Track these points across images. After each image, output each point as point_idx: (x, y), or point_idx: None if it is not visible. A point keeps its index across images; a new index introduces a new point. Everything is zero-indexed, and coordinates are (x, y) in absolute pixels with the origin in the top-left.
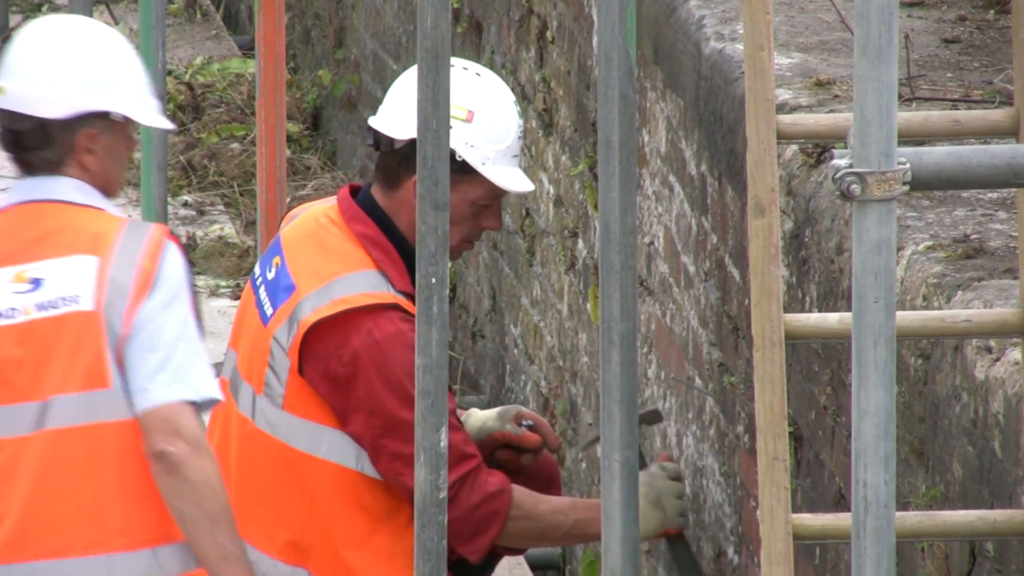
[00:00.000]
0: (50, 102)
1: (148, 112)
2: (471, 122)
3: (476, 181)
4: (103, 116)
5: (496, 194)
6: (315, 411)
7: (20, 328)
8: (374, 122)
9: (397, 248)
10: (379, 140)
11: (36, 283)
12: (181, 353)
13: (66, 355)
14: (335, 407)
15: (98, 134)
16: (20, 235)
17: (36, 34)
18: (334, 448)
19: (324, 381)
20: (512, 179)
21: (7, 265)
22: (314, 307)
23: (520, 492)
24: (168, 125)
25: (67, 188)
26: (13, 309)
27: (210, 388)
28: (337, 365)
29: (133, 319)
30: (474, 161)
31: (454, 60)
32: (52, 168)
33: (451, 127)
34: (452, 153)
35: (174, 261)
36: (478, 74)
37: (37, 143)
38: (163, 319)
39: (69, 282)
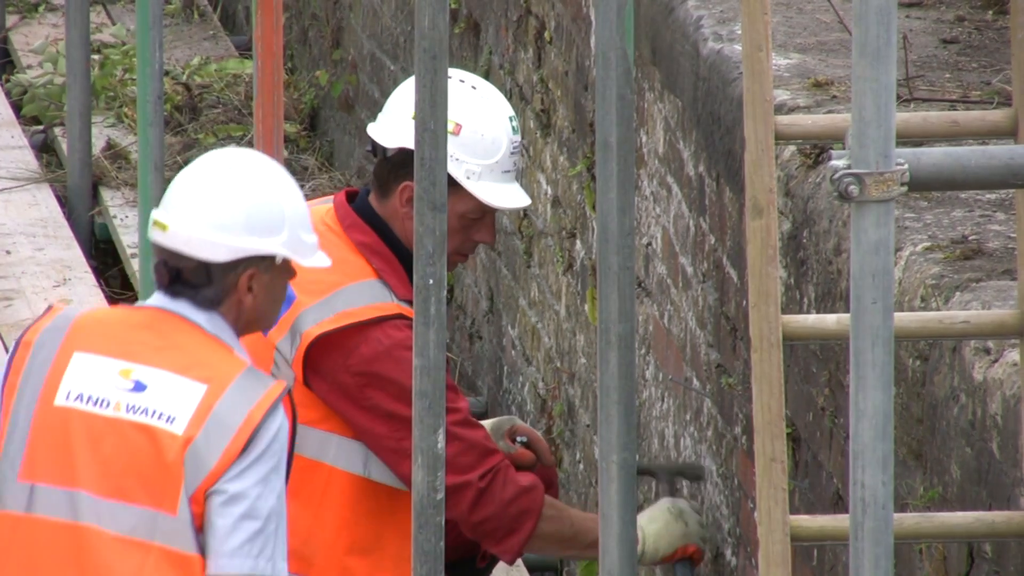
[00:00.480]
0: (214, 246)
1: (308, 251)
2: (458, 135)
3: (463, 194)
4: (266, 257)
5: (486, 208)
6: (320, 419)
7: (102, 421)
8: (373, 130)
9: (397, 255)
10: (375, 147)
11: (138, 386)
12: (272, 527)
13: (139, 465)
14: (348, 416)
15: (258, 274)
16: (143, 337)
17: (201, 171)
18: (341, 454)
19: (333, 393)
20: (499, 195)
21: (119, 358)
22: (317, 320)
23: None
24: (326, 262)
25: (205, 319)
26: (106, 401)
27: (284, 567)
28: (347, 376)
29: (228, 469)
30: (458, 175)
31: (453, 72)
32: (207, 305)
33: None
34: None
35: (282, 424)
36: (474, 87)
37: (197, 282)
38: (261, 486)
39: (171, 400)
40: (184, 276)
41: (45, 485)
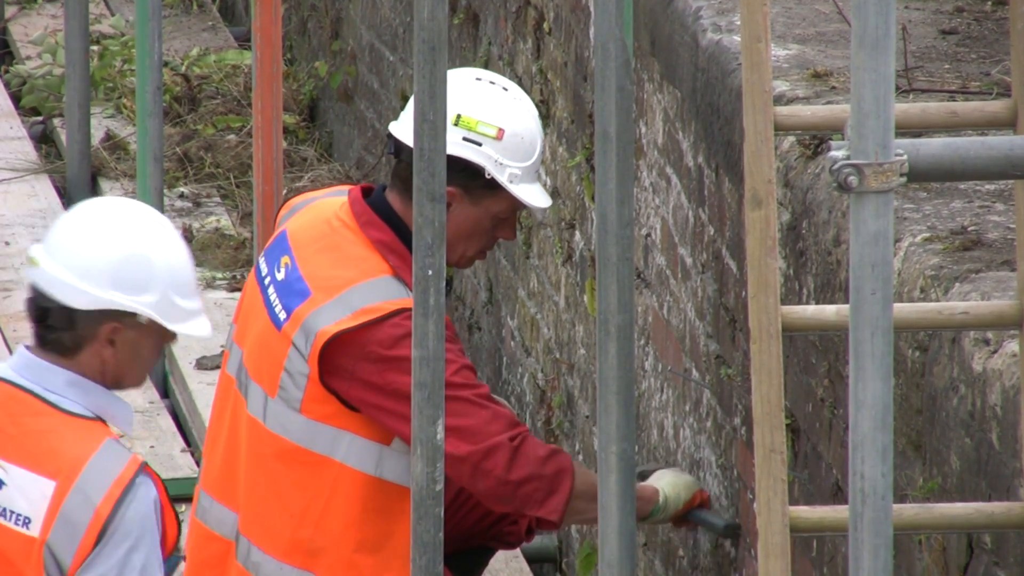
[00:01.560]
0: (76, 291)
1: (181, 316)
2: (501, 140)
3: (500, 197)
4: (132, 314)
5: (517, 207)
6: (334, 416)
7: None
8: (395, 129)
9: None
10: (400, 147)
11: None
12: None
13: (6, 569)
14: (374, 406)
15: (122, 329)
16: (1, 424)
17: (86, 215)
18: (352, 453)
19: (355, 386)
20: (536, 196)
21: None
22: (334, 317)
23: None
24: (203, 331)
25: (63, 384)
26: None
27: None
28: (366, 365)
29: (82, 564)
30: (503, 179)
31: (481, 73)
32: (66, 352)
33: (480, 144)
34: (481, 170)
35: (137, 506)
36: (505, 88)
37: (59, 324)
38: (117, 570)
39: (25, 500)
40: (48, 318)
41: None
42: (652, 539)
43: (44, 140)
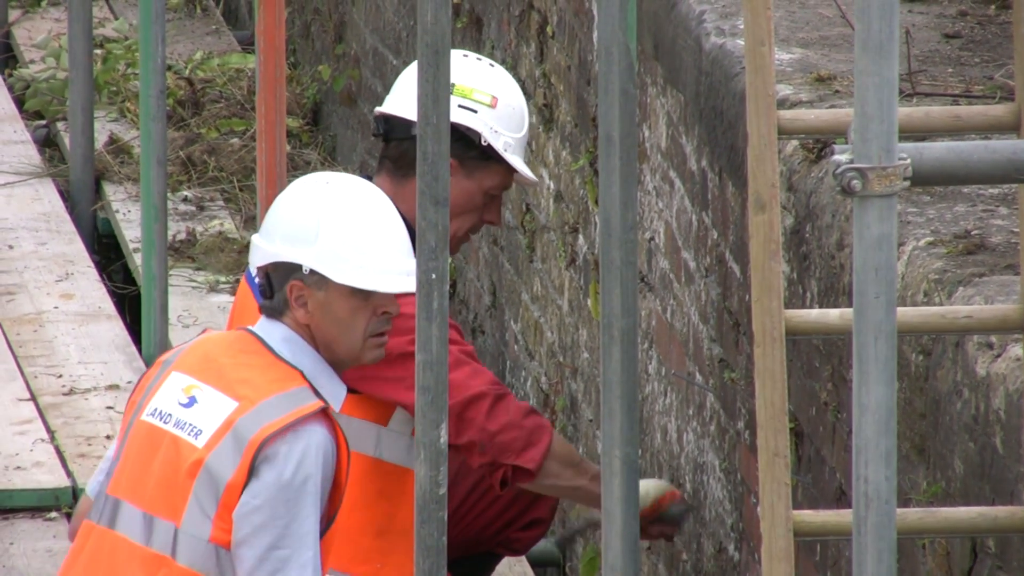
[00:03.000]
0: (256, 250)
1: (352, 271)
2: (495, 107)
3: (493, 169)
4: (312, 274)
5: (505, 185)
6: None
7: (159, 434)
8: (388, 107)
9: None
10: (390, 127)
11: (191, 402)
12: (300, 554)
13: (167, 478)
14: (375, 376)
15: (304, 287)
16: (218, 355)
17: (292, 189)
18: (350, 435)
19: (366, 382)
20: (527, 169)
21: (190, 375)
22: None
23: None
24: (401, 288)
25: (279, 337)
26: (169, 415)
27: None
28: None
29: (244, 488)
30: (499, 146)
31: (464, 51)
32: (274, 315)
33: (476, 111)
34: (474, 140)
35: (311, 444)
36: (491, 64)
37: (264, 292)
38: (284, 512)
39: (206, 416)
40: (261, 288)
41: (122, 499)
42: (656, 543)
43: (48, 144)
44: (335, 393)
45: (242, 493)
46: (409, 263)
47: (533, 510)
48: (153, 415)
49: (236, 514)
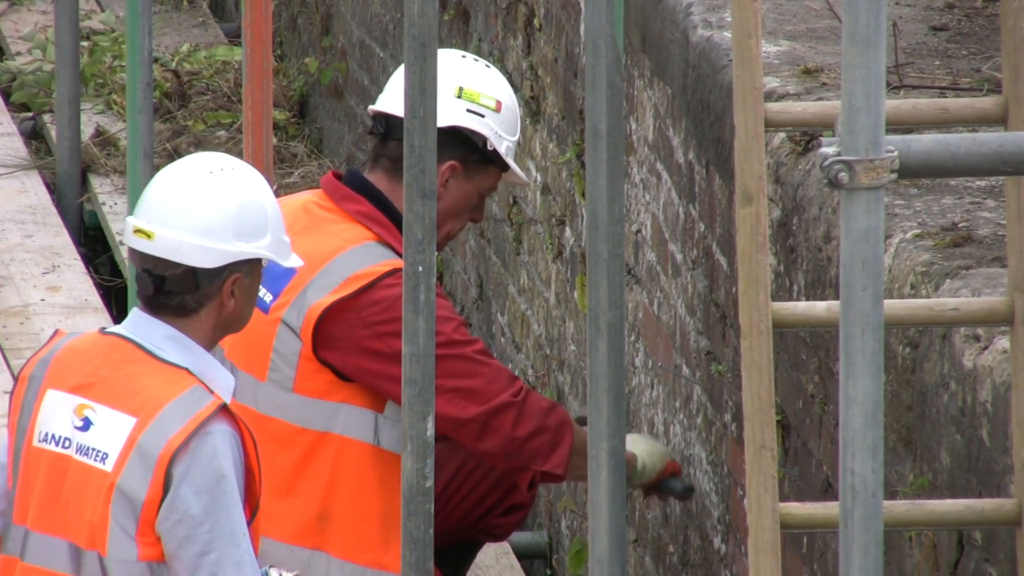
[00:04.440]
0: (205, 251)
1: (286, 252)
2: (499, 112)
3: (490, 172)
4: (250, 261)
5: (496, 187)
6: (328, 390)
7: (64, 461)
8: (388, 106)
9: (395, 224)
10: (391, 127)
11: (86, 424)
12: (232, 552)
13: (81, 506)
14: (375, 372)
15: (241, 279)
16: (99, 368)
17: (179, 176)
18: (350, 424)
19: (353, 355)
20: (521, 172)
21: (77, 394)
22: (325, 289)
23: None
24: (300, 262)
25: (162, 338)
26: (66, 440)
27: None
28: (365, 331)
29: (161, 502)
30: (502, 151)
31: (463, 52)
32: (188, 312)
33: (483, 115)
34: (476, 144)
35: (213, 445)
36: (487, 65)
37: (181, 288)
38: (206, 515)
39: (106, 437)
40: (168, 285)
41: (34, 531)
42: (643, 535)
43: (34, 136)
44: (224, 384)
45: (159, 508)
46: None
47: (513, 495)
48: (47, 440)
49: (159, 529)
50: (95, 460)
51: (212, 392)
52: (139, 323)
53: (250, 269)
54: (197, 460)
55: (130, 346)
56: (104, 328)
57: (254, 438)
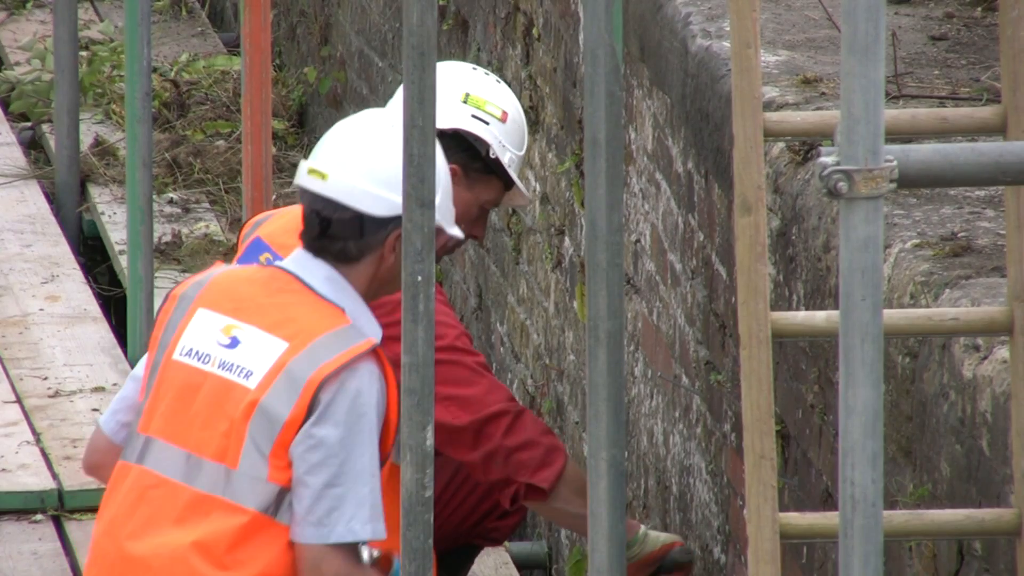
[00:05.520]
0: (376, 199)
1: (451, 219)
2: (505, 122)
3: (492, 184)
4: None
5: (497, 202)
6: None
7: (201, 375)
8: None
9: None
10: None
11: (233, 342)
12: (355, 492)
13: (215, 419)
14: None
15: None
16: (254, 294)
17: (362, 127)
18: None
19: None
20: (523, 187)
21: (227, 315)
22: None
23: None
24: (459, 234)
25: (322, 276)
26: (208, 356)
27: (373, 529)
28: None
29: (300, 428)
30: (505, 161)
31: (456, 64)
32: (349, 259)
33: (488, 123)
34: (479, 152)
35: (365, 383)
36: (498, 81)
37: (346, 234)
38: (340, 449)
39: (254, 356)
40: (334, 228)
41: (156, 438)
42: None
43: (33, 146)
44: (374, 332)
45: (298, 433)
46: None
47: None
48: (189, 355)
49: (293, 453)
50: (238, 376)
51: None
52: (301, 261)
53: None
54: (344, 392)
55: (290, 278)
56: (268, 260)
57: (400, 388)
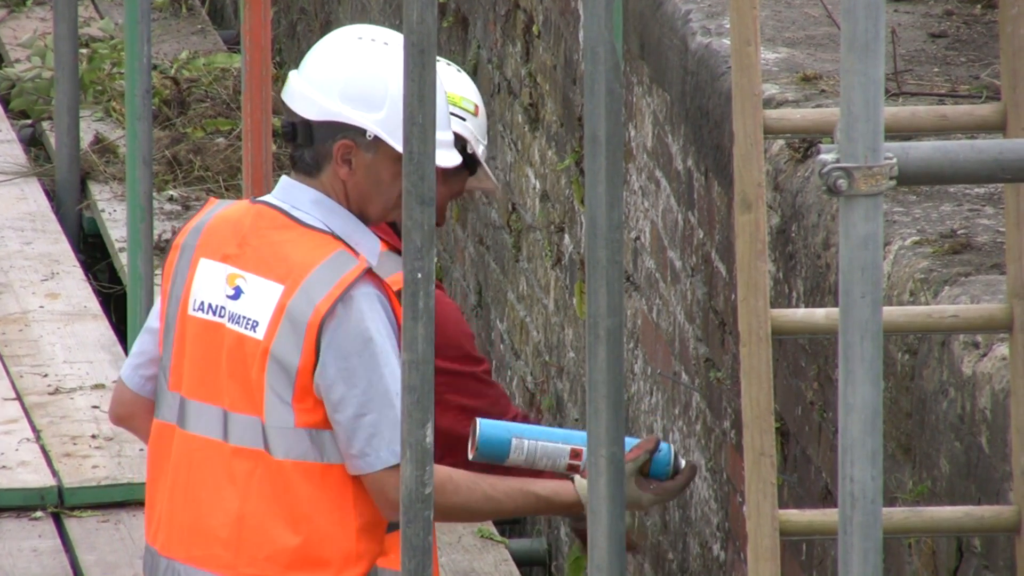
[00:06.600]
0: (307, 101)
1: (399, 136)
2: (478, 116)
3: (459, 177)
4: (363, 133)
5: (463, 189)
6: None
7: (216, 330)
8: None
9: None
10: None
11: (237, 292)
12: (392, 412)
13: (241, 373)
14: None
15: (355, 148)
16: (247, 237)
17: (336, 38)
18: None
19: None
20: (492, 176)
21: (227, 263)
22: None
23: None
24: (452, 162)
25: (308, 202)
26: (221, 308)
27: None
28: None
29: (315, 367)
30: (480, 154)
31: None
32: (310, 170)
33: (464, 119)
34: (464, 145)
35: (367, 304)
36: (459, 70)
37: (302, 141)
38: (362, 377)
39: (257, 305)
40: (294, 135)
41: (191, 399)
42: (642, 543)
43: (33, 143)
44: (370, 246)
45: (313, 374)
46: (447, 136)
47: None
48: (202, 309)
49: (318, 395)
50: (247, 328)
51: (357, 255)
52: (287, 188)
53: (369, 145)
54: (344, 325)
55: (276, 213)
56: (254, 197)
57: (400, 297)
